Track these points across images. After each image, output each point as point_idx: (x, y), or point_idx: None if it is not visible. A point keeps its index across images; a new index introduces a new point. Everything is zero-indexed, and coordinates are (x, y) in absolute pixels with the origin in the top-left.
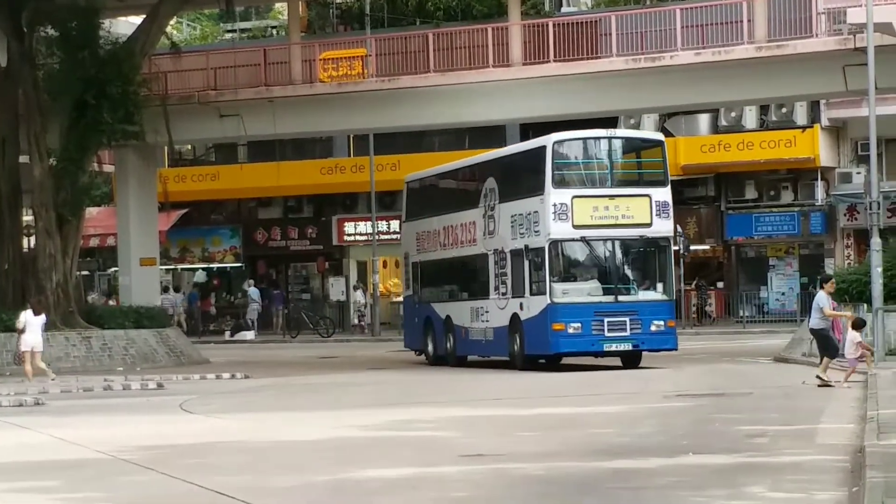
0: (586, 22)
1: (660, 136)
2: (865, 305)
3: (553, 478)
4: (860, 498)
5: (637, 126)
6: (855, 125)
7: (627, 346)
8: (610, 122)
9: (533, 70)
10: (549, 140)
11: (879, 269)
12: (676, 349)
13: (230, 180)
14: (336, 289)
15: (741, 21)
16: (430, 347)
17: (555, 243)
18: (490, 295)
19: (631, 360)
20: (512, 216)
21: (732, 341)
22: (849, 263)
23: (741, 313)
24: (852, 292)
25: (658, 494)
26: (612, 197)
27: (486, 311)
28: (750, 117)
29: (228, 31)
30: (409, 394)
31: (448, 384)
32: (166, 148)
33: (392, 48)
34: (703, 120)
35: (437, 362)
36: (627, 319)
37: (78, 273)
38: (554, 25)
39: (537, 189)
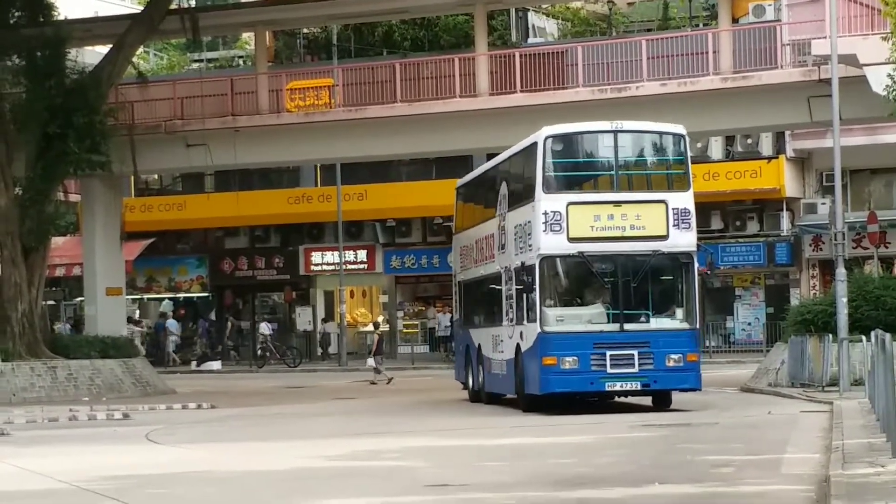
0: (553, 53)
1: (680, 129)
2: (830, 336)
3: None
4: None
5: None
6: (820, 156)
7: (635, 385)
8: None
9: (499, 100)
10: (540, 135)
11: (844, 300)
12: (699, 388)
13: (197, 210)
14: (303, 318)
15: (707, 52)
16: (470, 381)
17: (546, 260)
18: (503, 321)
19: (662, 400)
20: (515, 227)
21: None
22: (814, 294)
23: (707, 343)
24: (818, 322)
25: None
26: (617, 203)
27: (501, 341)
28: (716, 148)
29: (195, 61)
30: (375, 424)
31: (412, 414)
32: (132, 177)
33: (359, 78)
34: None
35: (475, 398)
36: (636, 352)
37: (43, 303)
38: (520, 56)
39: (530, 195)
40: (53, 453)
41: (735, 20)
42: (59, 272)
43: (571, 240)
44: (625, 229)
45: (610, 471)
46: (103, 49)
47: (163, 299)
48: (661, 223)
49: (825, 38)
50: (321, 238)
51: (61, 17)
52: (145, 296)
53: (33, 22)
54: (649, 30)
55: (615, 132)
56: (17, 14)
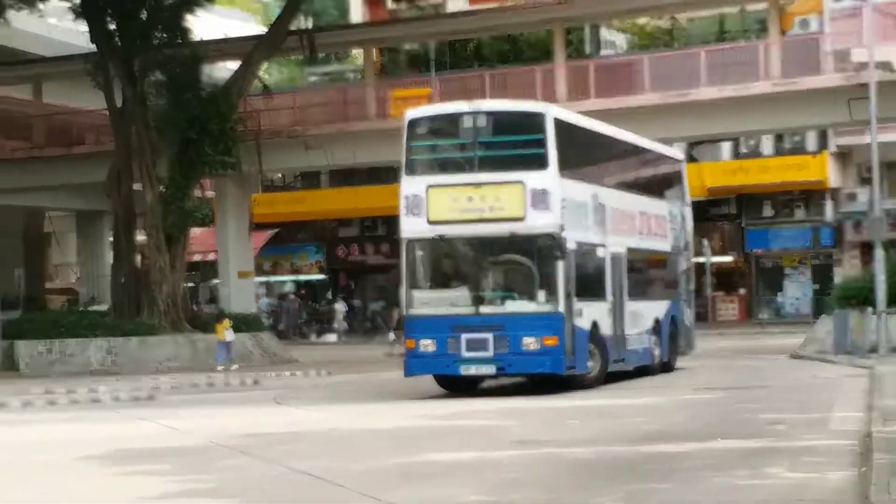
0: (623, 63)
1: (541, 108)
2: (870, 309)
3: (597, 460)
4: (868, 477)
5: None
6: (860, 151)
7: (490, 369)
8: None
9: (576, 105)
10: (405, 118)
11: (882, 277)
12: (561, 373)
13: (314, 204)
14: None
15: (758, 61)
16: None
17: (409, 243)
18: None
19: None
20: None
21: (752, 341)
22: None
23: (760, 316)
24: (859, 297)
25: (689, 475)
26: (476, 185)
27: None
28: (767, 144)
29: (312, 75)
30: None
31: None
32: (259, 176)
33: (454, 87)
34: (726, 147)
35: None
36: (490, 336)
37: (184, 284)
38: (594, 66)
39: None
40: (195, 415)
41: (783, 32)
42: (197, 258)
43: (431, 223)
44: (484, 211)
45: (679, 428)
46: (233, 65)
47: (286, 281)
48: (518, 204)
49: (864, 47)
50: None
51: (197, 39)
52: (271, 278)
53: (173, 43)
54: (707, 42)
55: (474, 113)
56: (159, 36)
